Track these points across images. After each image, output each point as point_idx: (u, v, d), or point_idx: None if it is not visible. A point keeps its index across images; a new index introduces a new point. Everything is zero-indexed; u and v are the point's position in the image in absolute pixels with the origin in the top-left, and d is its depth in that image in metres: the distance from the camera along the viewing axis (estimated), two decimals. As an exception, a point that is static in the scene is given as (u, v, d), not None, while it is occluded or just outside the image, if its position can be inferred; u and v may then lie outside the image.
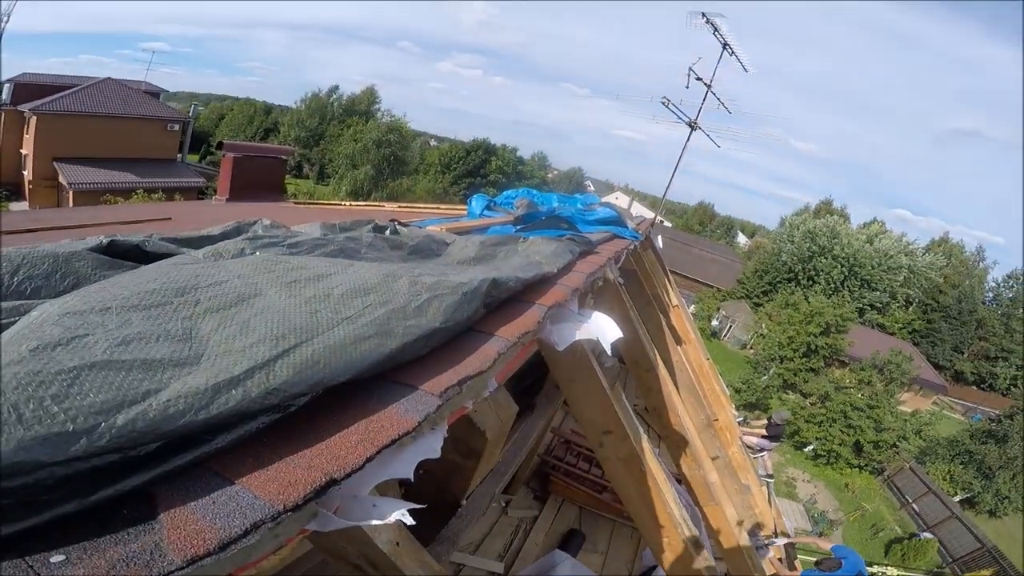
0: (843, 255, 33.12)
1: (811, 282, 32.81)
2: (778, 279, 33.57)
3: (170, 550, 0.49)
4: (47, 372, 0.49)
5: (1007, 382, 32.97)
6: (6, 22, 37.22)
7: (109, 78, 27.94)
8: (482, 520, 5.18)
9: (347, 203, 9.04)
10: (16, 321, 0.76)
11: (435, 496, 1.65)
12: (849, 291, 32.64)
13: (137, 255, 1.10)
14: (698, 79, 9.11)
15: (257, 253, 0.99)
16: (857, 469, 18.63)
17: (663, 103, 9.35)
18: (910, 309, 35.38)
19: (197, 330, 0.63)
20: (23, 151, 25.21)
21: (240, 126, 51.38)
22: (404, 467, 0.76)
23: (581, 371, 2.11)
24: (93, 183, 23.00)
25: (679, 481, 5.22)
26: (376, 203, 8.85)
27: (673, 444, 3.70)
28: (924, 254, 37.23)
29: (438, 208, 6.36)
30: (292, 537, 0.62)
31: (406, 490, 1.68)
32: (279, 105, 59.57)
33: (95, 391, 0.49)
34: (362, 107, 50.53)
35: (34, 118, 23.84)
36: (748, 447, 7.74)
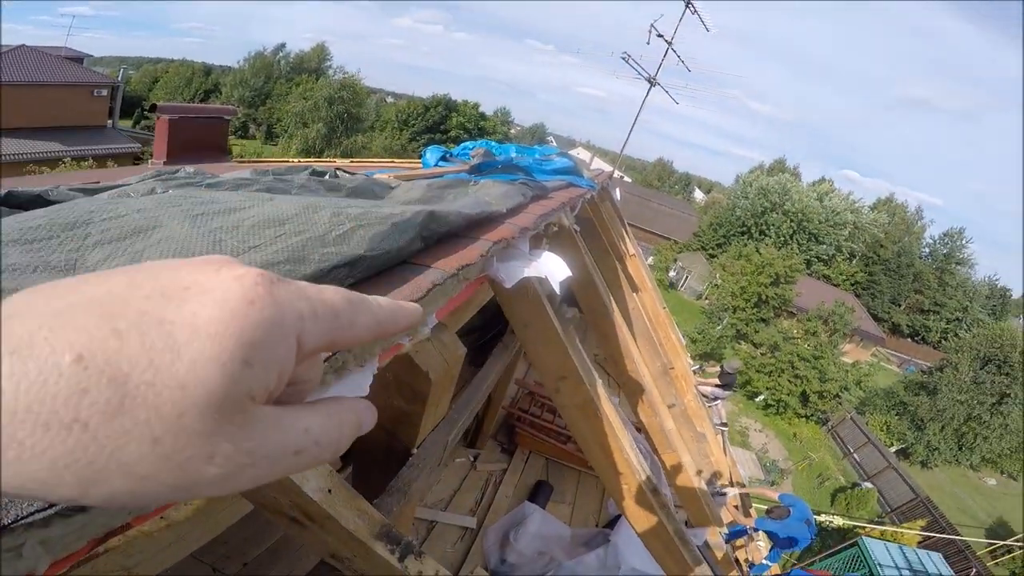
0: (793, 210, 34.42)
1: (763, 235, 34.07)
2: (732, 232, 34.67)
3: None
4: None
5: (938, 335, 35.44)
6: None
7: (23, 45, 25.66)
8: (451, 476, 5.27)
9: (296, 160, 8.64)
10: None
11: (385, 447, 1.64)
12: (798, 244, 34.15)
13: (40, 204, 1.00)
14: (659, 36, 8.97)
15: (170, 192, 0.91)
16: (804, 419, 19.82)
17: (623, 58, 9.20)
18: (854, 262, 37.33)
19: (83, 261, 0.57)
20: None
21: (176, 88, 48.08)
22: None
23: (535, 316, 2.11)
24: (16, 154, 21.22)
25: (639, 430, 5.42)
26: (327, 159, 8.48)
27: (630, 392, 3.77)
28: (869, 212, 39.08)
29: (392, 162, 6.15)
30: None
31: (355, 444, 1.67)
32: (221, 66, 55.85)
33: None
34: (312, 65, 48.11)
35: None
36: (703, 396, 8.08)
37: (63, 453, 0.19)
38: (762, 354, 20.39)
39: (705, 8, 9.52)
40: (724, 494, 5.37)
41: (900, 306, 37.31)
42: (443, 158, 3.55)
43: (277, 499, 1.01)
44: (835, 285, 34.65)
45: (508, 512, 5.07)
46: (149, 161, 8.17)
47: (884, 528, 13.41)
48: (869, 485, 16.63)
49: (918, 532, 13.00)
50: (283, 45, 48.85)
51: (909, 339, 37.47)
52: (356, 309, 0.27)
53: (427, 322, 1.09)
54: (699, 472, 4.26)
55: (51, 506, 0.42)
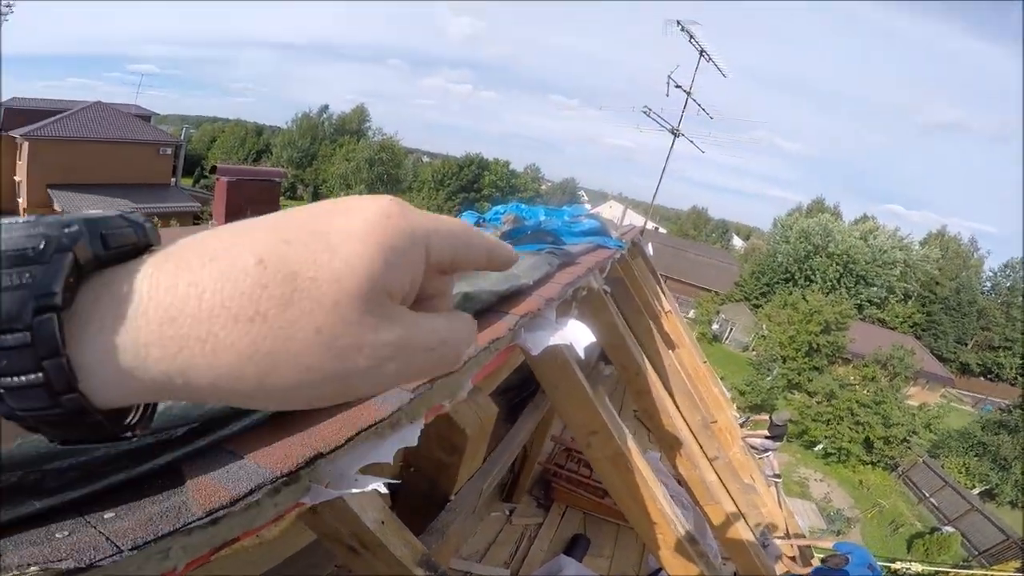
0: (837, 252, 33.36)
1: (808, 281, 33.03)
2: (775, 280, 33.79)
3: (193, 505, 0.65)
4: None
5: (1014, 371, 32.96)
6: None
7: (99, 102, 27.41)
8: (487, 529, 5.27)
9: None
10: None
11: (425, 493, 1.79)
12: (846, 288, 32.85)
13: None
14: (677, 87, 9.34)
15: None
16: (870, 466, 18.63)
17: (644, 112, 9.57)
18: (909, 303, 35.53)
19: None
20: (17, 178, 25.18)
21: (232, 148, 51.62)
22: (385, 453, 0.92)
23: (563, 378, 2.26)
24: (87, 210, 23.01)
25: (681, 484, 5.31)
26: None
27: (668, 447, 3.80)
28: (920, 248, 37.50)
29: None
30: (290, 507, 0.75)
31: (398, 488, 1.82)
32: (270, 126, 60.08)
33: None
34: (353, 126, 51.00)
35: (26, 144, 23.60)
36: (752, 448, 7.80)
37: (247, 344, 0.23)
38: (818, 403, 19.51)
39: (720, 53, 9.83)
40: (774, 545, 5.12)
41: (967, 345, 35.02)
42: (477, 224, 3.83)
43: (339, 529, 1.19)
44: (891, 328, 32.92)
45: (543, 565, 4.99)
46: (209, 221, 8.85)
47: (972, 572, 12.16)
48: (951, 529, 15.29)
49: (1013, 573, 11.73)
50: (327, 107, 52.16)
51: (981, 378, 34.90)
52: (471, 234, 0.31)
53: (463, 385, 1.27)
54: (749, 523, 4.14)
55: (190, 523, 0.61)
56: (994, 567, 12.66)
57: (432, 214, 0.29)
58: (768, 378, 21.65)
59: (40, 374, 0.22)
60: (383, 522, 1.09)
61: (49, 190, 23.67)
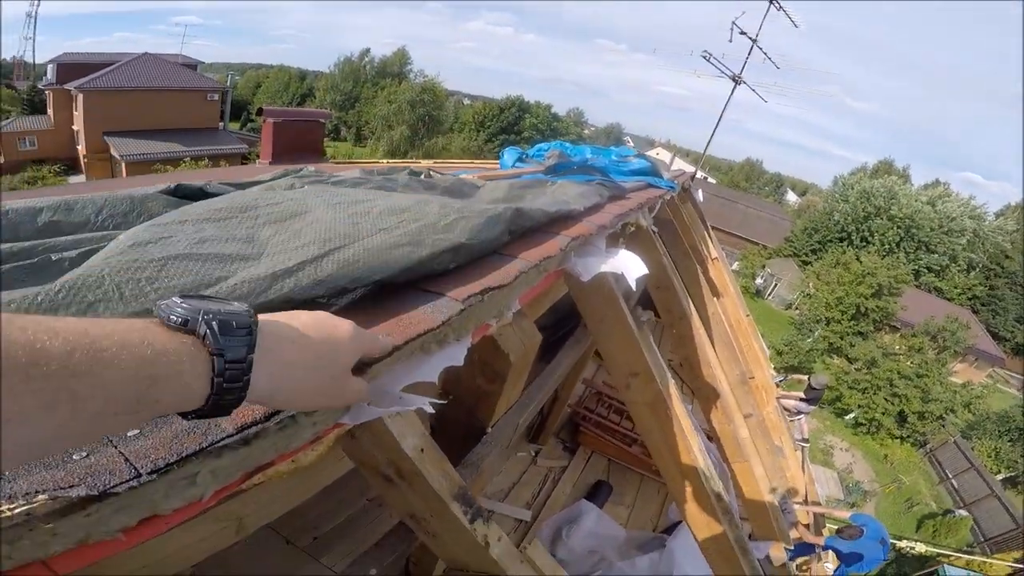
0: (900, 216, 31.14)
1: (864, 242, 31.15)
2: (829, 238, 32.02)
3: (224, 421, 0.56)
4: (142, 260, 0.60)
5: None
6: (37, 5, 38.46)
7: (147, 53, 28.68)
8: (512, 468, 5.41)
9: (385, 162, 9.17)
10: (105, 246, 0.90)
11: (463, 423, 1.78)
12: (905, 252, 30.86)
13: (200, 195, 1.23)
14: (742, 33, 8.56)
15: (306, 187, 1.09)
16: (899, 440, 18.15)
17: (704, 56, 8.86)
18: (972, 274, 33.16)
19: (258, 235, 0.74)
20: (75, 127, 26.41)
21: (276, 93, 52.07)
22: (430, 371, 0.86)
23: (610, 311, 2.17)
24: (143, 154, 24.02)
25: (710, 439, 5.27)
26: (413, 160, 8.92)
27: (704, 398, 3.71)
28: (994, 218, 34.60)
29: (472, 162, 6.40)
30: (328, 428, 0.69)
31: (437, 417, 1.82)
32: (313, 71, 59.94)
33: (178, 275, 0.60)
34: (394, 69, 50.21)
35: (80, 95, 24.88)
36: (785, 409, 7.65)
37: (314, 385, 0.52)
38: (857, 370, 18.85)
39: (791, 4, 8.95)
40: (791, 511, 5.10)
41: (1027, 324, 32.81)
42: (520, 159, 3.67)
43: (376, 456, 1.17)
44: (948, 299, 31.01)
45: (564, 508, 5.11)
46: (256, 161, 8.93)
47: (972, 558, 12.02)
48: (964, 513, 15.05)
49: (1010, 564, 11.57)
50: (368, 50, 51.20)
51: None
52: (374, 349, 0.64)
53: (511, 306, 1.21)
54: (771, 486, 4.09)
55: (219, 442, 0.55)
56: (994, 556, 12.36)
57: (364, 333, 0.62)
58: (809, 339, 20.99)
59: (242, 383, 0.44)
60: (423, 450, 1.05)
61: (105, 137, 24.67)
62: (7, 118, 30.23)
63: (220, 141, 27.73)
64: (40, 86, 30.69)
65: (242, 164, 20.73)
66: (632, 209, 2.02)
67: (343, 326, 0.56)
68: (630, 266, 1.54)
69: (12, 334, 0.30)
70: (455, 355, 0.95)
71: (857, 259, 23.45)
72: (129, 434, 0.54)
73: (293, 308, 0.71)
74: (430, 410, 0.75)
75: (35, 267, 0.85)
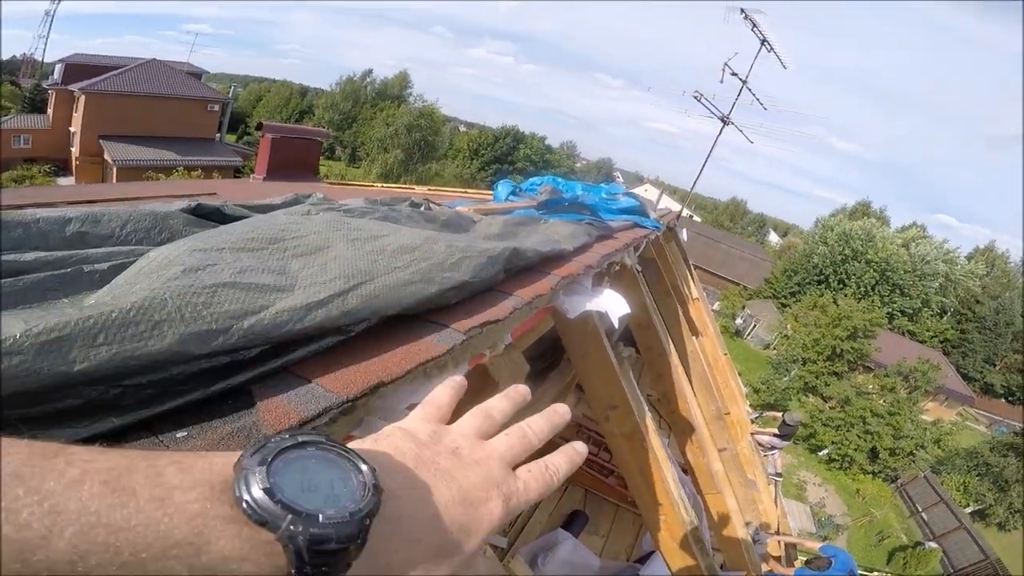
0: (876, 259, 32.19)
1: (841, 285, 32.05)
2: (808, 280, 32.90)
3: (264, 426, 0.65)
4: (196, 286, 0.69)
5: None
6: (57, 3, 38.61)
7: (155, 59, 28.92)
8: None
9: (378, 185, 9.30)
10: (135, 261, 0.98)
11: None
12: (880, 296, 31.79)
13: (218, 217, 1.33)
14: (733, 74, 8.98)
15: (320, 214, 1.20)
16: (871, 475, 18.48)
17: (695, 97, 9.24)
18: (944, 318, 34.27)
19: (288, 267, 0.83)
20: (71, 128, 26.24)
21: (277, 108, 52.49)
22: (420, 393, 0.96)
23: (592, 347, 2.29)
24: (136, 160, 23.91)
25: (684, 471, 5.35)
26: (406, 186, 9.05)
27: (680, 432, 3.81)
28: (966, 262, 35.92)
29: (465, 192, 6.55)
30: (343, 438, 0.80)
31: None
32: (315, 87, 60.64)
33: (227, 302, 0.69)
34: (394, 91, 50.96)
35: (83, 97, 24.78)
36: (759, 445, 7.78)
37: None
38: (831, 408, 19.26)
39: (782, 44, 9.40)
40: (763, 542, 5.15)
41: (995, 366, 33.78)
42: (513, 192, 3.82)
43: None
44: (921, 341, 31.91)
45: (540, 536, 5.12)
46: (251, 176, 8.97)
47: None
48: (934, 545, 15.32)
49: None
50: (370, 71, 52.17)
51: (1003, 399, 33.79)
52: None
53: (504, 338, 1.31)
54: (743, 519, 4.17)
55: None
56: None
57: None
58: (785, 379, 21.38)
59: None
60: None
61: (101, 140, 24.56)
62: (6, 115, 29.96)
63: (215, 152, 27.71)
64: (45, 85, 30.58)
65: (235, 177, 20.71)
66: (618, 249, 2.16)
67: (488, 517, 0.39)
68: (613, 305, 1.66)
69: (59, 554, 0.24)
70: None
71: (834, 302, 24.10)
72: (178, 435, 0.62)
73: (324, 334, 0.81)
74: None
75: (67, 276, 0.94)
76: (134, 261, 0.97)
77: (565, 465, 0.49)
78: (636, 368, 7.92)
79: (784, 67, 9.53)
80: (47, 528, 0.24)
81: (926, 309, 33.38)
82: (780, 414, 8.71)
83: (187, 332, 0.63)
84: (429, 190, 7.36)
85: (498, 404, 0.51)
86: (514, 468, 0.44)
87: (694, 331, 5.31)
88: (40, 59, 38.79)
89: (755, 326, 31.02)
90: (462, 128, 63.30)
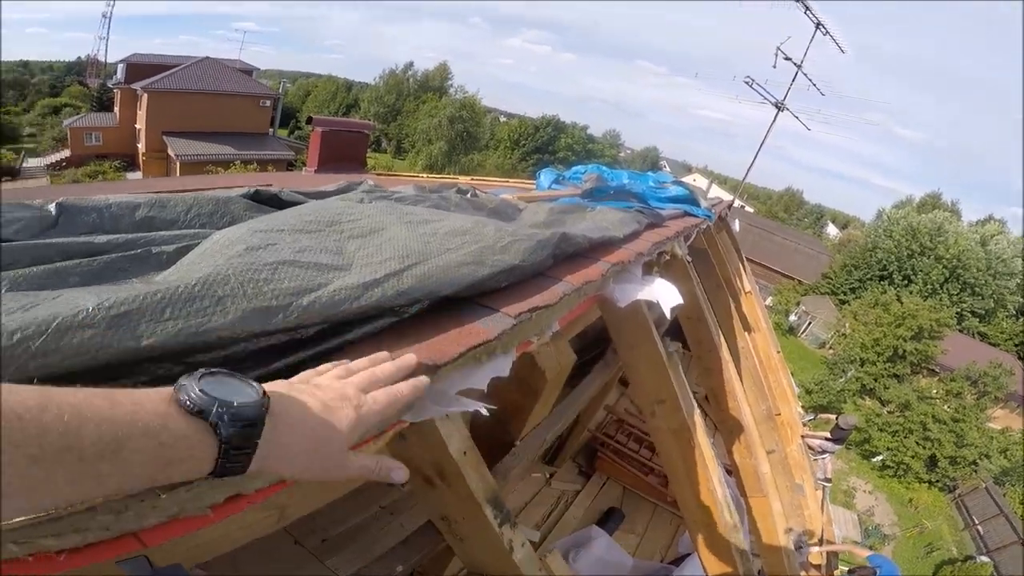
0: (947, 256, 29.95)
1: (907, 282, 30.03)
2: (869, 276, 30.99)
3: None
4: (257, 263, 0.70)
5: None
6: (113, 6, 41.01)
7: (208, 57, 30.29)
8: (525, 489, 5.40)
9: (424, 175, 9.41)
10: (199, 243, 1.02)
11: (494, 435, 1.85)
12: (949, 294, 29.64)
13: (275, 202, 1.36)
14: (787, 59, 8.49)
15: (374, 202, 1.21)
16: (927, 484, 17.37)
17: (747, 82, 8.82)
18: (1020, 320, 31.62)
19: (345, 247, 0.84)
20: (137, 126, 27.91)
21: (324, 102, 54.06)
22: (480, 380, 0.95)
23: (642, 338, 2.23)
24: (197, 155, 25.17)
25: (729, 473, 5.18)
26: (451, 176, 9.12)
27: (728, 431, 3.68)
28: (1049, 260, 32.95)
29: (507, 181, 6.54)
30: (393, 424, 0.76)
31: (469, 426, 1.90)
32: (359, 82, 62.07)
33: (287, 279, 0.70)
34: (436, 83, 51.51)
35: (145, 95, 26.28)
36: (810, 448, 7.47)
37: (309, 466, 0.55)
38: (889, 412, 18.19)
39: (838, 27, 8.80)
40: (805, 549, 4.93)
41: (1076, 373, 30.93)
42: (556, 181, 3.75)
43: (421, 456, 1.25)
44: (993, 344, 29.57)
45: (573, 532, 5.08)
46: (303, 169, 9.24)
47: None
48: (986, 559, 14.29)
49: None
50: (411, 64, 52.92)
51: None
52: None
53: (551, 325, 1.29)
54: (787, 525, 4.00)
55: None
56: None
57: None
58: (841, 380, 20.35)
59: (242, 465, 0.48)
60: (465, 452, 1.14)
61: (164, 136, 25.99)
62: (77, 114, 32.21)
63: (269, 147, 28.81)
64: (110, 84, 32.65)
65: (288, 170, 21.48)
66: (669, 237, 2.09)
67: (344, 418, 0.57)
68: (665, 295, 1.61)
69: (51, 422, 0.35)
70: (502, 367, 1.03)
71: (898, 299, 22.68)
72: None
73: (381, 314, 0.81)
74: (485, 413, 0.83)
75: (137, 257, 0.98)
76: (198, 243, 1.01)
77: (407, 388, 0.67)
78: (684, 362, 7.70)
79: (842, 51, 8.93)
80: (41, 405, 0.36)
81: (1001, 310, 30.87)
82: (834, 417, 8.33)
83: (249, 308, 0.64)
84: (473, 179, 7.40)
85: (358, 363, 0.68)
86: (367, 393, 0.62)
87: (746, 326, 5.11)
88: (103, 60, 41.44)
89: (810, 323, 29.63)
90: (502, 118, 63.21)
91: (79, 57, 49.80)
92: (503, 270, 0.95)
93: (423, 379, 0.69)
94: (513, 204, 1.96)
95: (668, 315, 1.67)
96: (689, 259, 2.95)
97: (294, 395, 0.55)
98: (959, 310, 29.22)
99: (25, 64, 54.69)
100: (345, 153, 8.78)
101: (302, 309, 0.68)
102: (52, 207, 1.12)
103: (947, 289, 29.96)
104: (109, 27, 41.54)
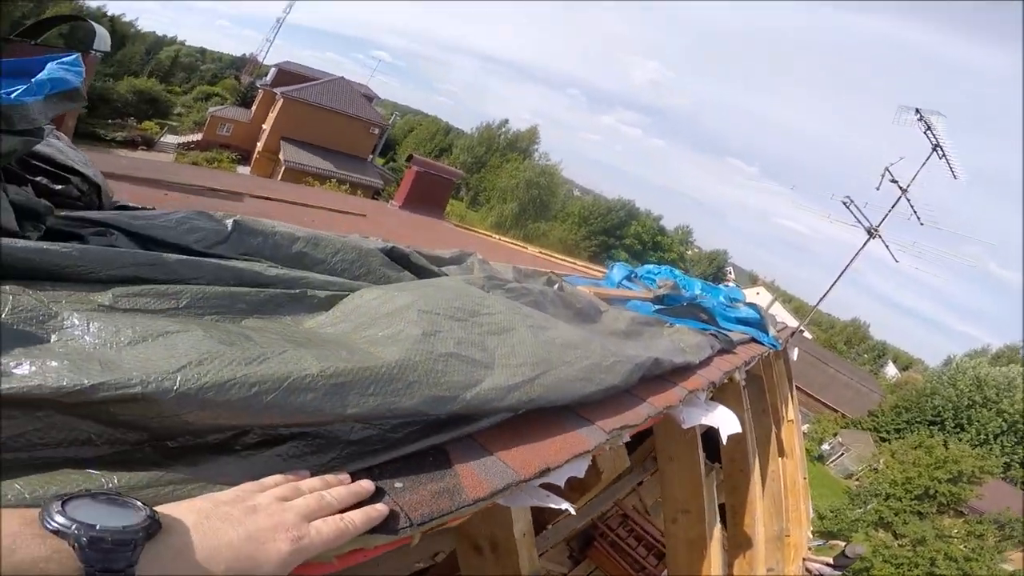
0: (1011, 410, 27.66)
1: (959, 430, 27.80)
2: (918, 420, 28.94)
3: (465, 490, 0.76)
4: (435, 353, 0.87)
5: None
6: (286, 13, 46.07)
7: (342, 77, 33.00)
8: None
9: (496, 236, 9.80)
10: (347, 295, 1.21)
11: (532, 515, 1.94)
12: (1001, 445, 27.23)
13: (404, 262, 1.57)
14: (892, 181, 8.21)
15: (494, 292, 1.40)
16: None
17: (844, 203, 8.52)
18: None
19: (486, 343, 1.01)
20: (264, 126, 30.61)
21: (422, 140, 57.25)
22: (560, 477, 1.08)
23: (684, 453, 2.31)
24: (302, 164, 27.09)
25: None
26: (518, 243, 9.46)
27: (736, 545, 3.72)
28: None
29: (575, 264, 6.76)
30: (487, 503, 0.82)
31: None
32: (456, 128, 65.98)
33: (455, 373, 0.85)
34: (523, 144, 53.43)
35: (281, 100, 28.74)
36: (808, 571, 7.08)
37: None
38: (900, 546, 16.81)
39: (956, 151, 8.36)
40: None
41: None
42: (628, 278, 3.87)
43: (480, 529, 1.34)
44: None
45: None
46: (389, 202, 9.81)
47: None
48: None
49: None
50: (506, 121, 55.20)
51: None
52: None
53: (624, 436, 1.42)
54: None
55: (463, 506, 0.79)
56: None
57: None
58: (859, 510, 19.06)
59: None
60: (525, 534, 1.24)
61: (281, 140, 28.40)
62: (223, 104, 35.95)
63: (365, 171, 30.48)
64: (258, 84, 36.27)
65: (374, 198, 22.79)
66: (737, 367, 2.19)
67: (273, 552, 0.53)
68: (726, 423, 1.71)
69: None
70: (579, 468, 1.17)
71: (944, 445, 21.09)
72: (396, 485, 0.73)
73: (515, 413, 0.95)
74: (573, 512, 0.97)
75: (294, 297, 1.16)
76: (345, 295, 1.20)
77: (360, 518, 0.62)
78: (709, 474, 7.46)
79: (955, 177, 8.39)
80: None
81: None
82: (844, 544, 7.77)
83: (429, 396, 0.79)
84: (540, 252, 7.69)
85: (310, 482, 0.65)
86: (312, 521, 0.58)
87: (781, 452, 5.05)
88: (261, 60, 46.32)
89: (842, 454, 27.91)
90: (576, 192, 64.73)
91: (244, 54, 55.54)
92: (606, 388, 1.10)
93: (379, 508, 0.66)
94: (595, 306, 2.13)
95: (724, 441, 1.76)
96: (744, 384, 3.01)
97: (212, 522, 0.51)
98: (1008, 460, 26.73)
99: (203, 51, 61.18)
100: (431, 195, 9.23)
101: (466, 402, 0.84)
102: (229, 223, 1.33)
103: (1001, 441, 27.56)
104: (277, 32, 46.77)
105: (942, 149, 8.19)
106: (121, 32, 38.13)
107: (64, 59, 0.98)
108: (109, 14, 35.06)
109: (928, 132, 8.20)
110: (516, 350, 1.01)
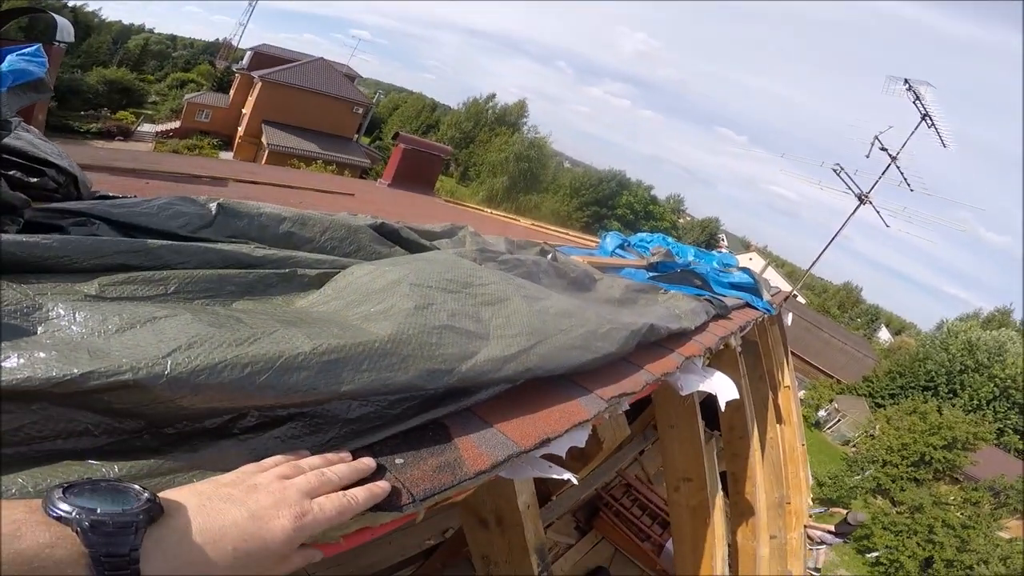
0: (1002, 375, 28.25)
1: (952, 395, 28.39)
2: (912, 385, 29.50)
3: (466, 463, 0.76)
4: (428, 326, 0.86)
5: None
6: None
7: (322, 58, 32.31)
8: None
9: (488, 210, 9.72)
10: (337, 272, 1.19)
11: (535, 487, 1.97)
12: (994, 411, 27.91)
13: (395, 237, 1.55)
14: (882, 149, 8.25)
15: (487, 264, 1.38)
16: None
17: (835, 170, 8.56)
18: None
19: (480, 315, 0.99)
20: (243, 110, 30.00)
21: (408, 118, 56.30)
22: (561, 447, 1.09)
23: (684, 420, 2.34)
24: (286, 147, 26.68)
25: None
26: (510, 215, 9.40)
27: (738, 513, 3.80)
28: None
29: (567, 234, 6.73)
30: (489, 476, 0.82)
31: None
32: (443, 104, 64.86)
33: (450, 345, 0.84)
34: (511, 118, 52.71)
35: (259, 84, 28.16)
36: (809, 538, 7.31)
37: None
38: (898, 512, 17.42)
39: (944, 120, 8.40)
40: None
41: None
42: (621, 246, 3.87)
43: (484, 502, 1.35)
44: (1028, 460, 27.49)
45: None
46: (377, 180, 9.68)
47: None
48: None
49: None
50: (494, 95, 54.37)
51: None
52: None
53: (623, 404, 1.43)
54: None
55: (464, 480, 0.79)
56: None
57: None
58: (857, 477, 19.59)
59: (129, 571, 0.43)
60: (529, 506, 1.26)
61: (262, 124, 27.83)
62: (199, 90, 35.12)
63: (350, 151, 30.10)
64: (234, 68, 35.48)
65: (361, 177, 22.44)
66: (732, 332, 2.20)
67: (278, 530, 0.53)
68: (723, 389, 1.72)
69: None
70: (580, 438, 1.17)
71: (938, 411, 21.61)
72: (397, 461, 0.73)
73: (513, 385, 0.95)
74: (575, 482, 0.97)
75: (284, 276, 1.14)
76: (335, 272, 1.18)
77: (363, 494, 0.62)
78: (710, 443, 7.61)
79: (944, 145, 8.49)
80: None
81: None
82: (845, 511, 8.01)
83: (424, 369, 0.78)
84: (532, 224, 7.65)
85: (310, 460, 0.65)
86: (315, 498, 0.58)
87: (779, 418, 5.13)
88: (236, 45, 45.19)
89: (839, 420, 28.42)
90: (567, 164, 64.16)
91: (217, 39, 54.35)
92: (603, 356, 1.10)
93: (381, 484, 0.65)
94: (589, 274, 2.13)
95: (722, 407, 1.78)
96: (740, 350, 3.03)
97: (214, 503, 0.51)
98: (1001, 426, 27.46)
99: (173, 39, 59.79)
100: (419, 172, 9.10)
101: (462, 374, 0.83)
102: (213, 206, 1.30)
103: (994, 407, 28.23)
104: (250, 15, 45.53)
105: (931, 118, 8.20)
106: (85, 22, 37.12)
107: (24, 50, 0.95)
108: (70, 5, 33.93)
109: (917, 102, 8.19)
110: (511, 320, 1.00)
